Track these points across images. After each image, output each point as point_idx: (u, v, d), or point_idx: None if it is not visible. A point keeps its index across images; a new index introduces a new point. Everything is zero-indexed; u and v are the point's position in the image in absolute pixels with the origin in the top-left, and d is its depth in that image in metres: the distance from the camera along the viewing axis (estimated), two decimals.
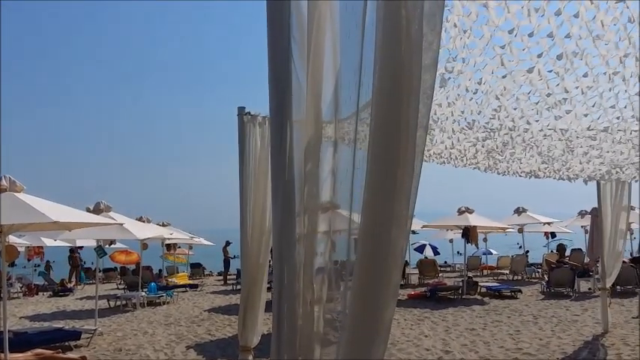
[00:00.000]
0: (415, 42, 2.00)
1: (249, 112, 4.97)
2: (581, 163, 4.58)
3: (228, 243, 24.60)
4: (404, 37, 2.00)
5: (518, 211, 24.29)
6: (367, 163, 2.04)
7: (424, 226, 24.35)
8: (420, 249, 28.96)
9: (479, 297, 16.72)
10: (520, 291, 17.27)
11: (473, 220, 18.71)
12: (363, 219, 2.05)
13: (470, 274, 20.74)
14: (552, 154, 4.35)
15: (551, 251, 24.94)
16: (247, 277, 5.23)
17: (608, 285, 11.40)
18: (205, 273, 30.07)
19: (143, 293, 17.06)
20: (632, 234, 22.43)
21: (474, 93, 3.35)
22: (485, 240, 26.99)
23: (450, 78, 3.21)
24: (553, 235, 27.82)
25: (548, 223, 25.72)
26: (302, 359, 2.08)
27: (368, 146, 2.06)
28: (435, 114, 3.82)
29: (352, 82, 2.14)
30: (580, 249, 23.12)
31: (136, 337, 11.75)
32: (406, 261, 22.30)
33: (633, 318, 12.23)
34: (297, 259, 2.08)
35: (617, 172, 4.87)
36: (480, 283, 18.01)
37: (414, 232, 29.87)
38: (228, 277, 24.67)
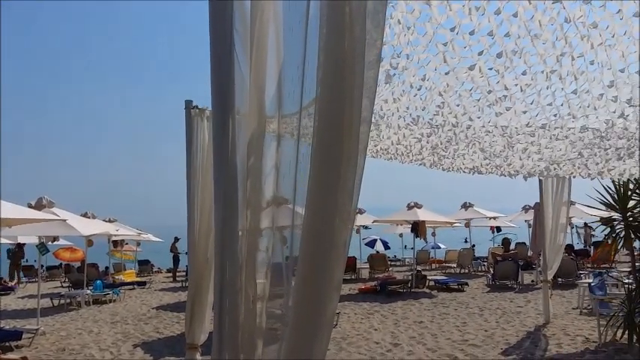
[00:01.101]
0: (359, 38, 2.01)
1: (196, 106, 4.88)
2: (521, 159, 4.73)
3: (177, 239, 24.20)
4: (347, 34, 2.01)
5: (466, 206, 24.94)
6: (311, 157, 2.05)
7: (375, 221, 24.65)
8: (371, 244, 29.27)
9: (427, 290, 17.05)
10: (467, 284, 17.72)
11: (422, 215, 19.08)
12: (307, 213, 2.05)
13: (419, 267, 21.13)
14: (494, 150, 4.47)
15: (497, 245, 25.67)
16: (195, 273, 5.16)
17: (550, 277, 11.85)
18: (154, 270, 29.49)
19: (88, 291, 16.61)
20: (572, 228, 23.36)
21: (418, 89, 3.40)
22: (433, 234, 27.53)
23: (395, 74, 3.25)
24: (498, 229, 28.70)
25: (494, 218, 26.50)
26: (244, 358, 2.06)
27: (312, 141, 2.07)
28: (382, 110, 3.86)
29: (295, 77, 2.14)
30: (524, 243, 23.93)
31: (81, 337, 11.43)
32: (354, 256, 22.53)
33: (573, 309, 12.75)
34: (239, 255, 2.07)
35: (555, 169, 5.06)
36: (428, 277, 18.38)
37: (366, 227, 30.18)
38: (177, 273, 24.29)
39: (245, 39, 2.14)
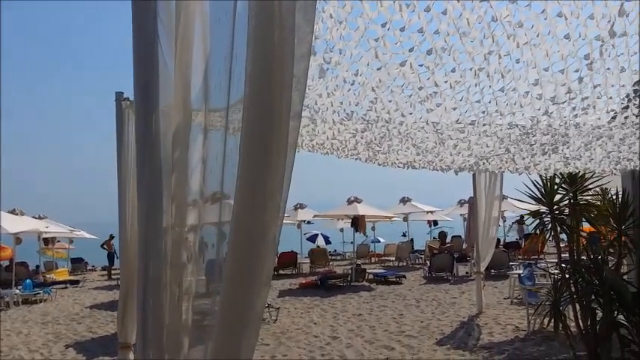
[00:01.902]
0: (289, 31, 1.99)
1: (127, 98, 4.72)
2: (451, 155, 4.85)
3: (111, 237, 23.49)
4: (277, 26, 1.98)
5: (404, 201, 25.44)
6: (239, 151, 2.01)
7: (315, 216, 24.76)
8: (313, 238, 29.37)
9: (367, 283, 17.31)
10: (404, 276, 18.10)
11: (361, 209, 19.31)
12: (236, 207, 2.02)
13: (359, 261, 21.40)
14: (426, 146, 4.56)
15: (434, 238, 26.33)
16: (127, 271, 5.00)
17: (483, 269, 12.26)
18: (88, 268, 28.49)
19: (17, 291, 15.90)
20: (505, 221, 24.25)
21: (352, 84, 3.41)
22: (373, 229, 27.94)
23: (328, 69, 3.25)
24: (435, 222, 29.46)
25: (431, 212, 27.16)
26: (169, 357, 2.01)
27: (240, 134, 2.03)
28: (317, 104, 3.86)
29: (223, 70, 2.10)
30: (460, 236, 24.66)
31: (9, 338, 10.93)
32: (295, 252, 22.56)
33: (504, 299, 13.25)
34: (163, 252, 2.01)
35: (484, 164, 5.22)
36: (367, 270, 18.66)
37: (308, 222, 30.25)
38: (113, 271, 23.56)
39: (170, 30, 2.07)
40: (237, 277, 2.00)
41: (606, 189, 7.71)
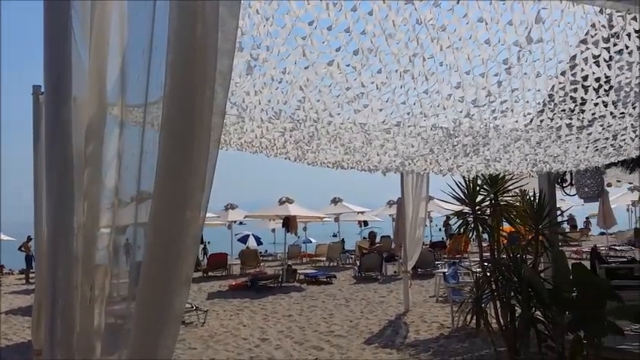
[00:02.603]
0: (212, 25, 1.94)
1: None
2: (378, 155, 4.92)
3: (29, 238, 22.30)
4: (200, 20, 1.93)
5: (335, 201, 25.68)
6: (159, 147, 1.94)
7: (246, 217, 24.57)
8: (244, 239, 29.10)
9: (297, 284, 17.33)
10: (335, 276, 18.27)
11: (293, 210, 19.32)
12: (155, 205, 1.95)
13: (290, 262, 21.37)
14: (354, 145, 4.60)
15: (364, 238, 26.74)
16: (42, 273, 4.76)
17: (410, 268, 12.55)
18: (4, 271, 26.95)
19: None
20: (431, 221, 24.93)
21: (280, 82, 3.38)
22: (305, 229, 28.03)
23: (255, 66, 3.21)
24: (365, 223, 29.94)
25: (361, 212, 27.57)
26: (79, 359, 1.90)
27: (160, 129, 1.96)
28: (244, 102, 3.81)
29: (141, 62, 2.02)
30: (389, 236, 25.16)
31: None
32: (226, 253, 22.28)
33: (430, 297, 13.63)
34: (74, 250, 1.90)
35: (409, 164, 5.34)
36: (298, 271, 18.68)
37: (241, 223, 29.93)
38: (31, 274, 22.38)
39: (84, 19, 1.97)
40: (155, 278, 1.93)
41: (524, 190, 8.09)
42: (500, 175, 7.03)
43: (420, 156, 5.02)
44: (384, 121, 3.90)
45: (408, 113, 3.79)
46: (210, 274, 20.75)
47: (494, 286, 6.95)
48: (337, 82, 3.35)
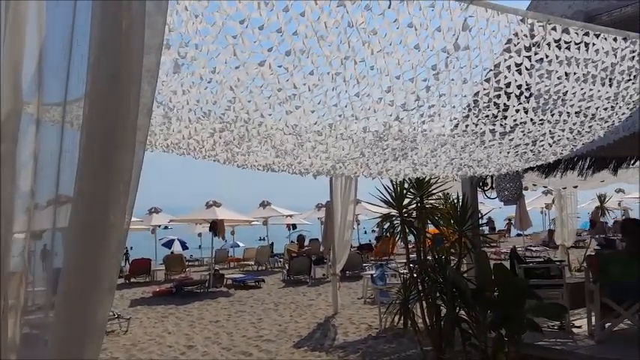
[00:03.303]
0: (138, 19, 1.85)
1: None
2: (310, 158, 4.90)
3: None
4: (125, 13, 1.83)
5: (264, 205, 25.51)
6: (80, 147, 1.83)
7: (171, 221, 23.96)
8: (169, 244, 28.37)
9: (225, 289, 17.05)
10: (264, 280, 18.12)
11: (220, 213, 18.99)
12: (74, 208, 1.83)
13: (217, 267, 21.02)
14: (285, 148, 4.56)
15: (292, 241, 26.71)
16: None
17: (338, 270, 12.65)
18: None
19: None
20: (358, 224, 25.29)
21: (209, 82, 3.29)
22: (232, 233, 27.66)
23: (183, 64, 3.10)
24: (294, 226, 29.95)
25: (290, 216, 27.56)
26: None
27: (81, 128, 1.85)
28: (171, 101, 3.67)
29: (61, 56, 1.90)
30: (317, 239, 25.25)
31: None
32: (149, 258, 21.61)
33: (358, 299, 13.80)
34: None
35: (340, 167, 5.36)
36: (226, 276, 18.38)
37: (165, 228, 29.08)
38: None
39: None
40: (77, 286, 1.83)
41: (448, 194, 8.36)
42: (426, 179, 7.22)
43: (350, 159, 5.05)
44: (315, 123, 3.88)
45: (340, 115, 3.79)
46: (132, 280, 20.04)
47: (420, 287, 7.12)
48: (269, 82, 3.30)
